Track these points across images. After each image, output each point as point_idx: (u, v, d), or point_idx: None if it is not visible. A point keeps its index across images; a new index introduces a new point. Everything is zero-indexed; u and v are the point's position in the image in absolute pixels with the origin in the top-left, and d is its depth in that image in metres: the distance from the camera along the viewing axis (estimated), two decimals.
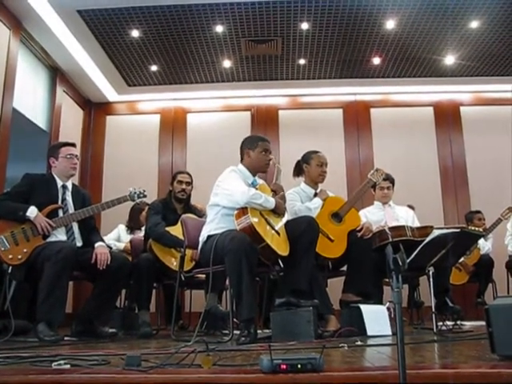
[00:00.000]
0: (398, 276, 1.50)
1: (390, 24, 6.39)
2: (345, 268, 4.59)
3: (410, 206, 6.15)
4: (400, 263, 1.51)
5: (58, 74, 7.05)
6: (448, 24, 6.42)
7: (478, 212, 6.74)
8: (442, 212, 7.67)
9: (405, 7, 6.05)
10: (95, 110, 8.15)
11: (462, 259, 5.90)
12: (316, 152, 4.76)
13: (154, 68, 7.35)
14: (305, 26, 6.39)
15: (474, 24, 6.45)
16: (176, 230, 4.69)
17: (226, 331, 3.99)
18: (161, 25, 6.25)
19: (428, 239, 3.65)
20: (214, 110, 8.14)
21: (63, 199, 4.32)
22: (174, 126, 8.09)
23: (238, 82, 7.81)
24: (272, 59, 7.24)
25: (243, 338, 3.36)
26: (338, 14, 6.15)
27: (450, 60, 7.32)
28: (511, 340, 2.01)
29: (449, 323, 4.53)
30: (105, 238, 5.09)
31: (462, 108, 8.16)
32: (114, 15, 6.02)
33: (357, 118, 8.04)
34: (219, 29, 6.40)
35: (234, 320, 3.71)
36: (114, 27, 6.26)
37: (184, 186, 5.21)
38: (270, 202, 3.86)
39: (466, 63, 7.44)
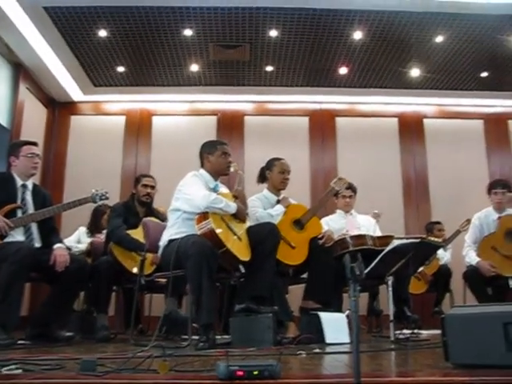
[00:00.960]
0: (355, 285, 1.51)
1: (358, 35, 6.45)
2: (306, 275, 4.59)
3: (376, 214, 6.22)
4: (357, 272, 1.52)
5: (22, 71, 6.90)
6: (414, 37, 6.52)
7: (438, 223, 6.85)
8: (403, 222, 7.77)
9: (372, 19, 6.12)
10: (59, 109, 8.02)
11: (421, 269, 5.99)
12: (279, 159, 4.79)
13: (121, 69, 7.28)
14: (273, 33, 6.41)
15: (439, 38, 6.57)
16: (137, 234, 4.66)
17: (186, 336, 3.97)
18: (129, 26, 6.20)
19: (388, 249, 3.69)
20: (180, 113, 8.10)
21: (22, 199, 4.22)
22: (139, 128, 8.02)
23: (204, 87, 7.79)
24: (240, 65, 7.24)
25: (202, 344, 3.35)
26: (306, 22, 6.18)
27: (415, 72, 7.43)
28: (464, 349, 2.05)
29: (406, 332, 4.59)
30: (65, 240, 5.02)
31: (425, 120, 8.29)
32: (81, 13, 5.94)
33: (322, 127, 8.09)
34: (188, 32, 6.37)
35: (194, 325, 3.69)
36: (81, 26, 6.18)
37: (149, 190, 5.18)
38: (231, 207, 3.88)
39: (431, 76, 7.56)
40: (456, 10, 5.97)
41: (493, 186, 5.43)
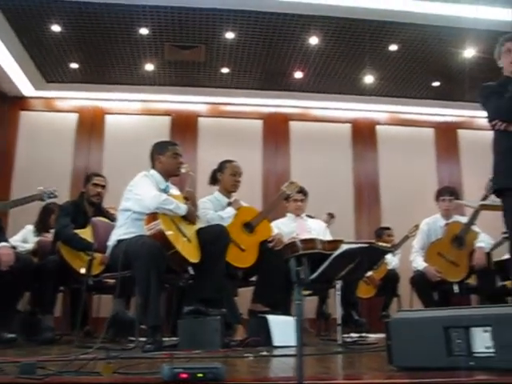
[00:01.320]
0: (299, 288, 1.52)
1: (314, 40, 6.52)
2: (255, 278, 4.60)
3: (331, 215, 6.27)
4: (302, 276, 1.53)
5: None
6: (369, 45, 6.62)
7: (388, 228, 6.96)
8: (354, 227, 7.87)
9: (328, 25, 6.20)
10: (9, 103, 7.81)
11: (369, 273, 6.07)
12: (231, 161, 4.79)
13: (74, 65, 7.16)
14: (230, 35, 6.42)
15: (394, 47, 6.70)
16: (86, 233, 4.58)
17: (133, 338, 3.92)
18: (83, 22, 6.10)
19: (337, 253, 3.72)
20: (134, 112, 8.01)
21: None
22: (91, 126, 7.89)
23: (159, 86, 7.75)
24: (195, 66, 7.22)
25: (148, 346, 3.32)
26: (263, 25, 6.21)
27: (369, 79, 7.55)
28: (407, 352, 2.09)
29: (354, 335, 4.64)
30: (10, 239, 4.89)
31: (378, 127, 8.43)
32: (34, 7, 5.82)
33: (276, 130, 8.13)
34: (143, 31, 6.32)
35: (142, 327, 3.65)
36: (33, 20, 6.05)
37: (100, 190, 5.10)
38: (182, 208, 3.86)
39: (384, 83, 7.70)
40: (410, 20, 6.09)
41: (440, 193, 5.54)
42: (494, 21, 6.11)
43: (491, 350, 1.94)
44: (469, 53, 6.84)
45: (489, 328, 1.96)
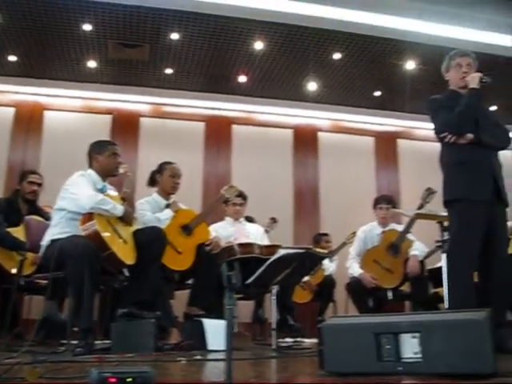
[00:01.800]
0: (231, 293, 1.52)
1: (259, 45, 6.55)
2: (191, 281, 4.57)
3: (273, 219, 6.29)
4: (234, 281, 1.53)
5: None
6: (313, 52, 6.71)
7: (326, 234, 7.05)
8: (293, 232, 7.94)
9: (274, 31, 6.24)
10: None
11: (306, 278, 6.12)
12: (170, 163, 4.75)
13: (13, 58, 6.93)
14: (175, 35, 6.37)
15: (337, 56, 6.80)
16: (18, 232, 4.46)
17: (65, 341, 3.83)
18: (23, 13, 5.90)
19: (273, 258, 3.73)
20: (75, 109, 7.81)
21: None
22: (29, 121, 7.65)
23: (101, 84, 7.61)
24: (139, 65, 7.13)
25: (79, 349, 3.24)
26: (208, 28, 6.20)
27: (312, 86, 7.64)
28: (339, 357, 2.11)
29: (289, 340, 4.66)
30: None
31: (319, 133, 8.53)
32: None
33: (218, 133, 8.12)
34: (86, 27, 6.19)
35: (75, 329, 3.57)
36: None
37: (35, 188, 4.99)
38: (118, 209, 3.80)
39: (327, 91, 7.80)
40: (354, 30, 6.19)
41: (378, 202, 5.64)
42: (436, 36, 6.29)
43: (419, 356, 1.99)
44: (410, 65, 7.02)
45: (417, 334, 2.00)
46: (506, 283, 3.44)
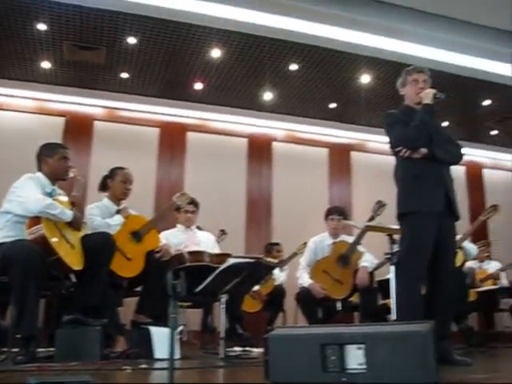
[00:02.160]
0: (175, 302, 1.50)
1: (217, 53, 6.55)
2: (140, 288, 4.51)
3: (222, 231, 6.27)
4: (179, 290, 1.51)
5: None
6: (270, 62, 6.74)
7: (277, 244, 7.08)
8: (245, 241, 7.93)
9: (232, 39, 6.24)
10: None
11: (257, 288, 6.11)
12: (122, 168, 4.69)
13: None
14: (132, 40, 6.30)
15: (294, 67, 6.85)
16: None
17: (5, 349, 3.72)
18: None
19: (223, 266, 3.72)
20: (27, 110, 7.62)
21: None
22: None
23: (55, 86, 7.46)
24: (94, 68, 7.03)
25: (20, 357, 3.16)
26: (166, 34, 6.15)
27: (268, 96, 7.69)
28: (284, 368, 2.12)
29: (238, 349, 4.65)
30: None
31: (274, 143, 8.57)
32: None
33: (172, 140, 8.06)
34: (41, 27, 6.06)
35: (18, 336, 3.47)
36: None
37: None
38: (67, 214, 3.72)
39: (283, 101, 7.85)
40: (311, 41, 6.24)
41: (330, 213, 5.69)
42: (391, 51, 6.38)
43: (363, 367, 2.01)
44: (365, 78, 7.13)
45: (362, 346, 2.02)
46: (452, 296, 3.52)
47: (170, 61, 6.78)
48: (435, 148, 3.50)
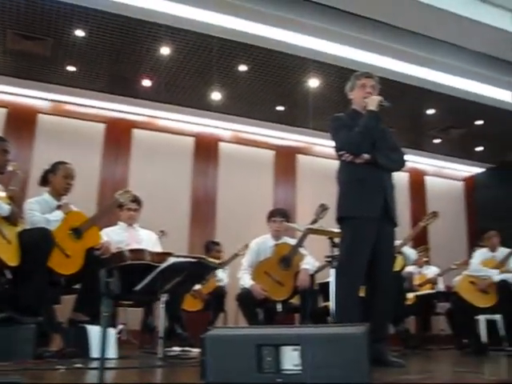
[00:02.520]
0: (108, 300, 1.48)
1: (166, 50, 6.49)
2: (79, 286, 4.43)
3: (162, 232, 6.21)
4: (112, 288, 1.49)
5: None
6: (219, 62, 6.73)
7: (217, 244, 7.09)
8: (188, 240, 7.91)
9: (181, 37, 6.20)
10: None
11: (198, 287, 6.10)
12: (64, 163, 4.59)
13: None
14: (80, 33, 6.17)
15: (243, 67, 6.86)
16: None
17: None
18: None
19: (164, 265, 3.70)
20: None
21: None
22: None
23: None
24: (39, 59, 6.85)
25: None
26: (115, 28, 6.05)
27: (216, 96, 7.67)
28: (220, 368, 2.12)
29: (177, 349, 4.62)
30: None
31: (220, 143, 8.58)
32: None
33: (118, 136, 7.96)
34: None
35: None
36: None
37: None
38: (4, 208, 3.64)
39: (230, 102, 7.86)
40: (260, 43, 6.26)
41: (272, 215, 5.71)
42: (340, 57, 6.46)
43: (299, 368, 2.03)
44: (313, 83, 7.20)
45: (298, 347, 2.04)
46: (390, 299, 3.59)
47: (119, 56, 6.68)
48: (377, 154, 3.57)
